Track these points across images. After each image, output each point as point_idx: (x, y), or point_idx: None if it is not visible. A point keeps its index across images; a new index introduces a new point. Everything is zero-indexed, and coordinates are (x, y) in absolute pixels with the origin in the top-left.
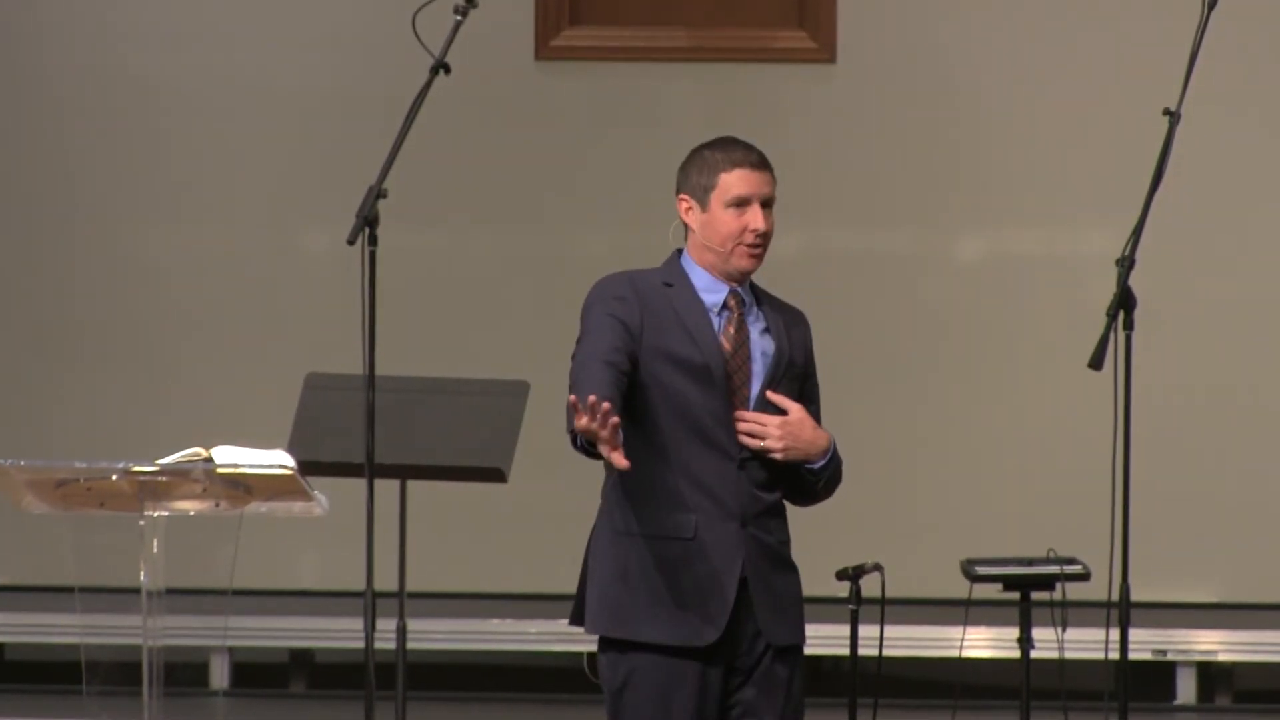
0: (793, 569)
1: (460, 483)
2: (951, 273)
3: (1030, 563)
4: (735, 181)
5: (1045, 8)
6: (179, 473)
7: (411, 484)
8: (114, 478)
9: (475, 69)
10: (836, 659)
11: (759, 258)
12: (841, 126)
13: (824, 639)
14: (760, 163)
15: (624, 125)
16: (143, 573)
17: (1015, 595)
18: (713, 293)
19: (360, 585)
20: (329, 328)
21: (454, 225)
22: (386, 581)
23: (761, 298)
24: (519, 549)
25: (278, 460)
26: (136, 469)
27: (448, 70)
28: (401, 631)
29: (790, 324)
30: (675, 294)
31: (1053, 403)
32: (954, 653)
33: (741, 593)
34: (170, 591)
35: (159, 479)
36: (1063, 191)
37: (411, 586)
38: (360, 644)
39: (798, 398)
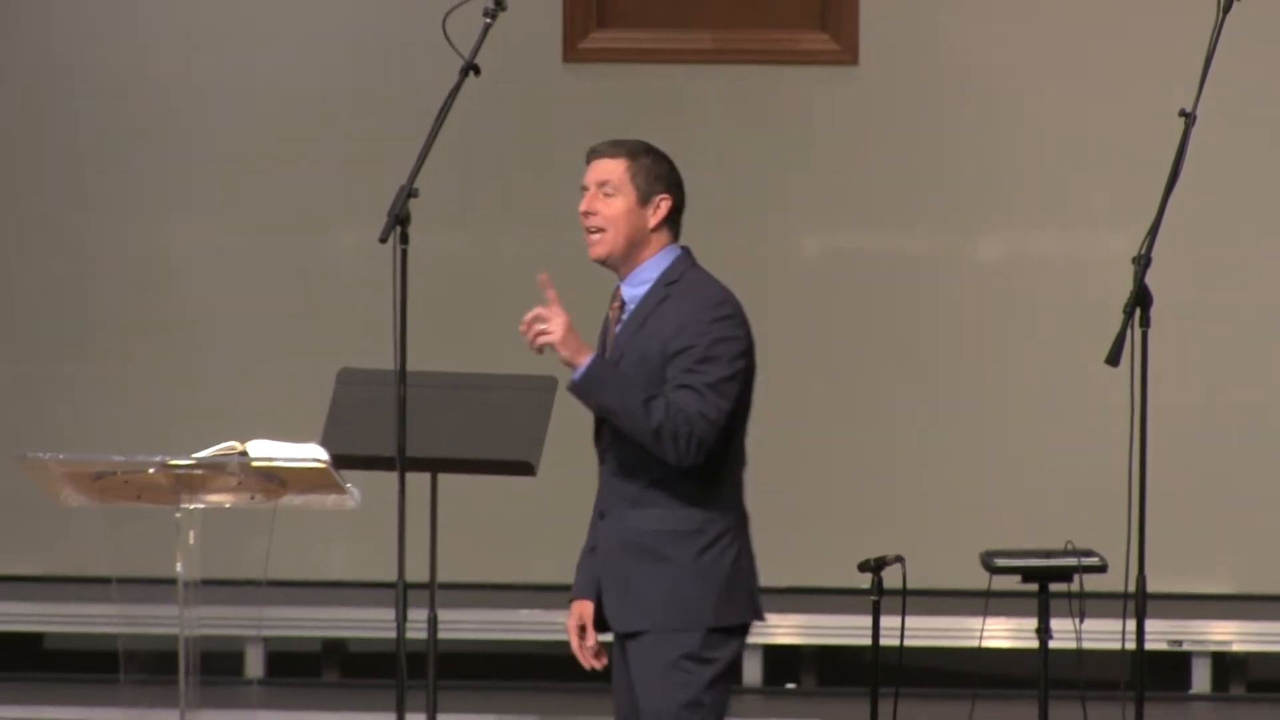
0: (659, 557)
1: (490, 476)
2: (970, 271)
3: (1048, 555)
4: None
5: (1063, 12)
6: (215, 466)
7: (442, 477)
8: (151, 471)
9: (504, 71)
10: (859, 649)
11: (594, 243)
12: (863, 127)
13: (846, 629)
14: (592, 153)
15: (650, 126)
16: (179, 564)
17: (1034, 587)
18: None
19: (391, 576)
20: (361, 325)
21: (483, 224)
22: (418, 573)
23: (654, 298)
24: (547, 541)
25: (311, 454)
26: (173, 462)
27: (478, 72)
28: (432, 621)
29: (661, 305)
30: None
31: (1070, 398)
32: (974, 643)
33: (600, 584)
34: (206, 582)
35: (195, 472)
36: (1079, 192)
37: (442, 578)
38: (392, 634)
39: (658, 378)
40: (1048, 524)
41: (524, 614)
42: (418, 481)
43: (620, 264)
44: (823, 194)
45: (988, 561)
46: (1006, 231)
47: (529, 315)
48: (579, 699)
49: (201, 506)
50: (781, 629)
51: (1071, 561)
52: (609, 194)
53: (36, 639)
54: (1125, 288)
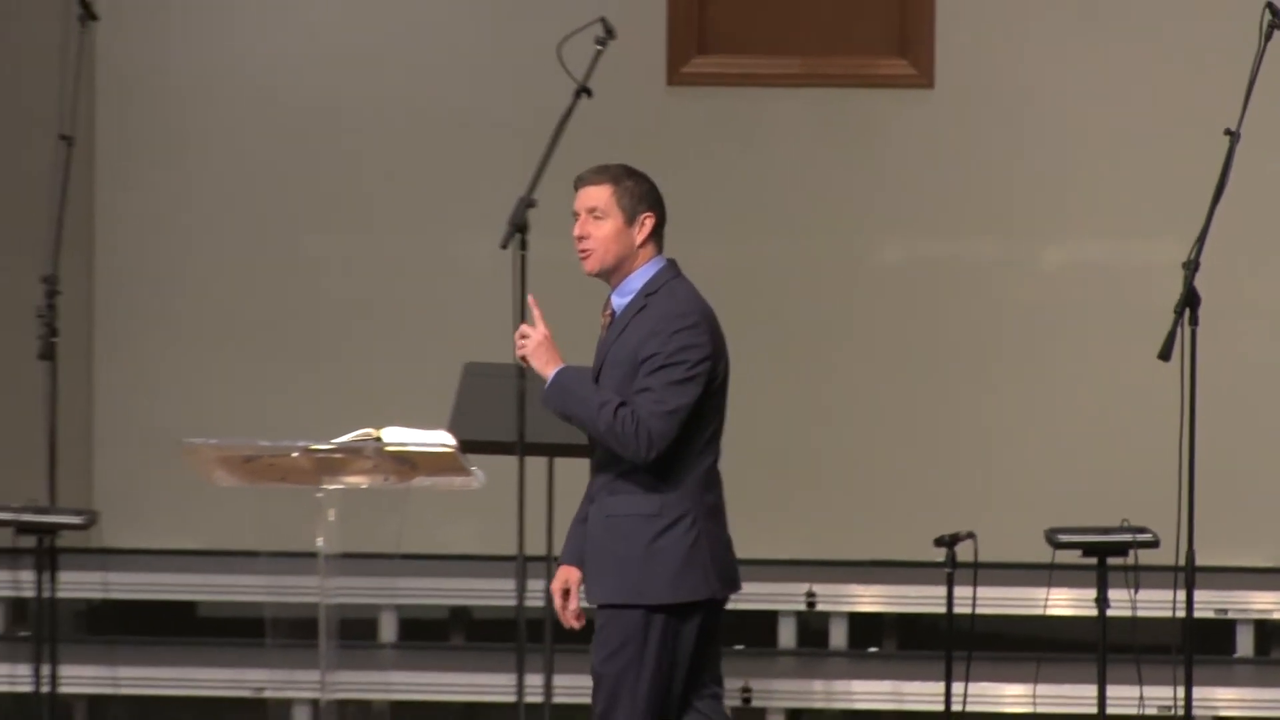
0: (625, 535)
1: None
2: (1032, 275)
3: (1106, 531)
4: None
5: (1121, 42)
6: (352, 451)
7: (557, 460)
8: (295, 455)
9: (612, 93)
10: (934, 616)
11: (586, 259)
12: (937, 145)
13: (923, 598)
14: (579, 181)
15: (745, 144)
16: (320, 539)
17: (1093, 560)
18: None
19: (512, 550)
20: (485, 322)
21: None
22: (536, 547)
23: (634, 308)
24: None
25: (440, 440)
26: (315, 447)
27: (590, 94)
28: (549, 591)
29: (639, 315)
30: None
31: (1125, 390)
32: (1038, 611)
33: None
34: (344, 556)
35: (335, 456)
36: (1134, 204)
37: (557, 551)
38: (512, 602)
39: (633, 381)
40: (1105, 503)
41: None
42: (535, 464)
43: (611, 276)
44: (900, 206)
45: (1051, 538)
46: (1065, 239)
47: (517, 331)
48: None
49: (340, 487)
50: (864, 598)
51: (1127, 537)
52: (599, 217)
53: (190, 607)
54: (1171, 290)
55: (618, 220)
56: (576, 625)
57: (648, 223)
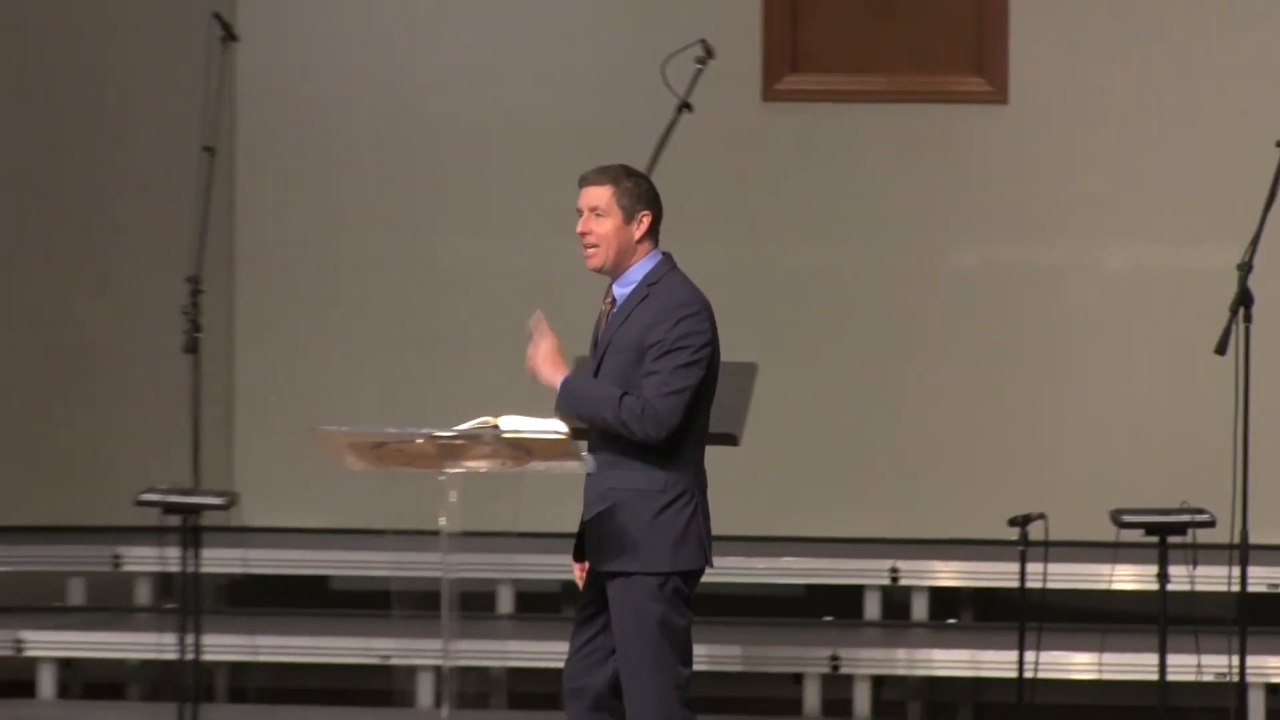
0: (630, 509)
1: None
2: (1097, 276)
3: (1167, 512)
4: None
5: (1181, 58)
6: (472, 437)
7: None
8: (419, 441)
9: (711, 108)
10: (1008, 590)
11: (590, 256)
12: (1010, 157)
13: (998, 574)
14: (582, 181)
15: (834, 156)
16: (442, 518)
17: (1154, 539)
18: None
19: None
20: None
21: (693, 238)
22: None
23: (637, 296)
24: (746, 500)
25: (553, 427)
26: (438, 434)
27: (691, 109)
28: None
29: (642, 304)
30: None
31: (1183, 383)
32: (1104, 585)
33: (584, 532)
34: (464, 534)
35: (456, 442)
36: (1192, 210)
37: None
38: None
39: (638, 364)
40: (1165, 487)
41: (730, 560)
42: None
43: (612, 270)
44: (976, 213)
45: (1116, 518)
46: (1126, 243)
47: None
48: (768, 631)
49: (461, 471)
50: (944, 573)
51: (1186, 518)
52: (600, 215)
53: (323, 581)
54: (1226, 290)
55: (617, 218)
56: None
57: (645, 220)
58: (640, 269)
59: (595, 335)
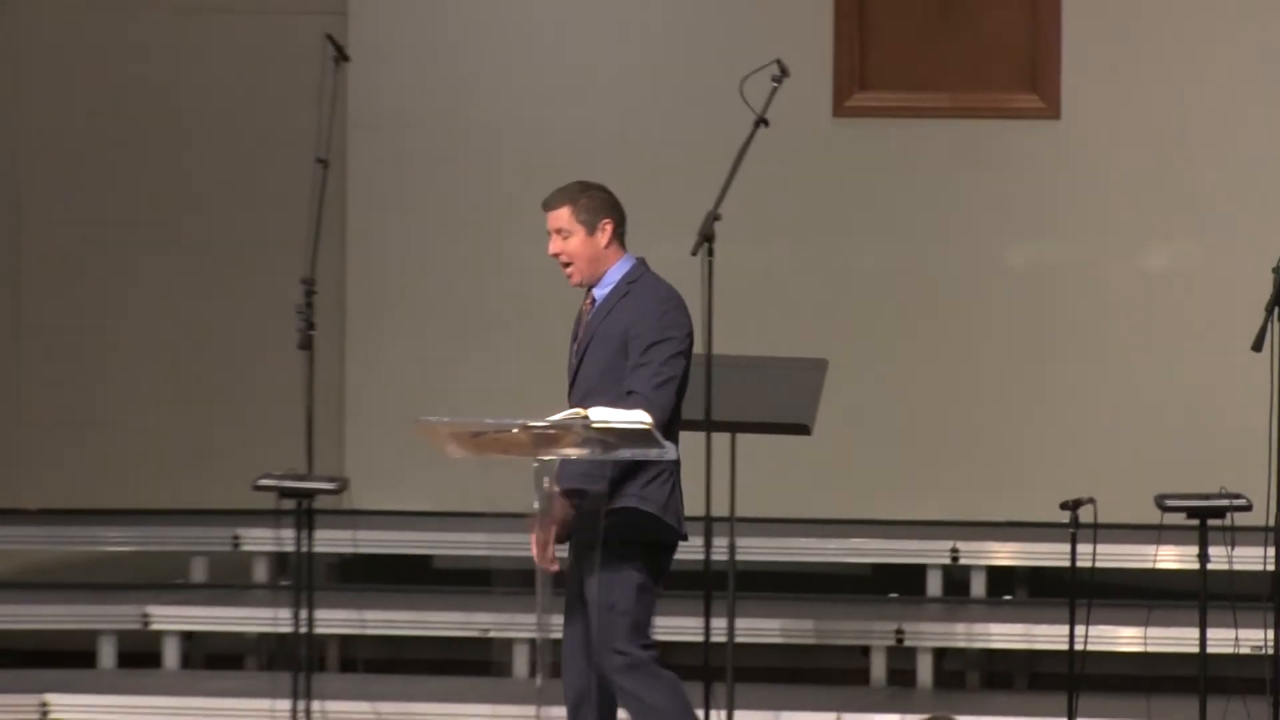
0: (614, 486)
1: (775, 435)
2: (1141, 279)
3: (1207, 497)
4: None
5: (1220, 77)
6: (564, 427)
7: (739, 435)
8: (515, 431)
9: (786, 124)
10: (1060, 569)
11: (570, 275)
12: (1061, 168)
13: (1051, 554)
14: (544, 205)
15: (899, 167)
16: (536, 502)
17: (1195, 522)
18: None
19: (701, 511)
20: None
21: (769, 242)
22: (719, 509)
23: (618, 293)
24: (818, 486)
25: (637, 418)
26: (532, 425)
27: (767, 124)
28: (731, 547)
29: (622, 301)
30: None
31: (1222, 378)
32: (1149, 564)
33: None
34: None
35: (549, 432)
36: (1229, 215)
37: (741, 513)
38: (700, 555)
39: (621, 354)
40: (1206, 473)
41: (801, 541)
42: (720, 439)
43: (591, 281)
44: (1028, 221)
45: (1160, 502)
46: (1168, 246)
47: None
48: (836, 606)
49: (553, 458)
50: (1000, 553)
51: (1225, 502)
52: (565, 235)
53: (427, 560)
54: (1260, 291)
55: (580, 233)
56: (553, 569)
57: (607, 228)
58: (618, 270)
59: (575, 332)
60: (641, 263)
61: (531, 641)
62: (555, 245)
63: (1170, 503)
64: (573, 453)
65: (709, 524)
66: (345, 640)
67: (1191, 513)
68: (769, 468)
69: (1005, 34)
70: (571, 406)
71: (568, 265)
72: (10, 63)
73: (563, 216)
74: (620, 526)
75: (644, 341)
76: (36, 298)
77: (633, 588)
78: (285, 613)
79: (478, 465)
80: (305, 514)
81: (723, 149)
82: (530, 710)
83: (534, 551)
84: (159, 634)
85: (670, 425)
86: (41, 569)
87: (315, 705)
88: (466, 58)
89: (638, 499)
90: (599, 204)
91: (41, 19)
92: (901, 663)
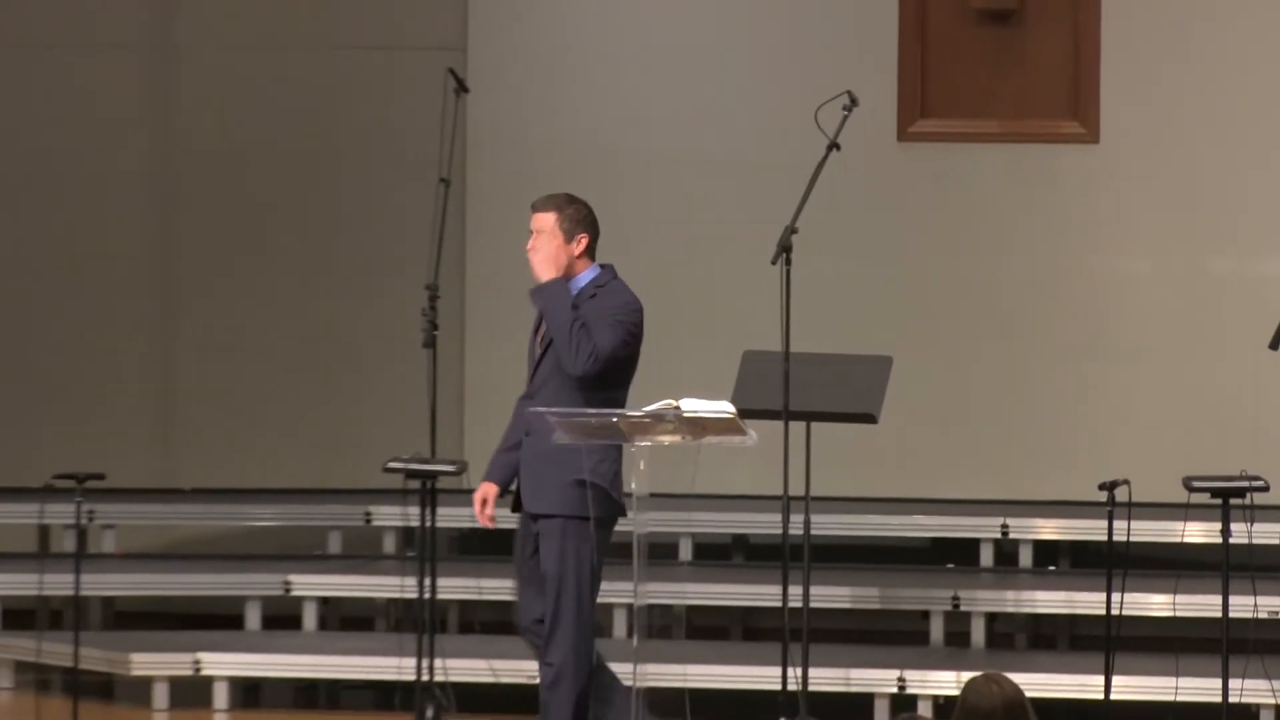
0: (565, 466)
1: (845, 423)
2: (1174, 286)
3: (1229, 479)
4: None
5: (1246, 100)
6: (657, 416)
7: (813, 423)
8: (615, 420)
9: (856, 148)
10: (1099, 542)
11: (537, 271)
12: (1102, 188)
13: (1090, 529)
14: (533, 207)
15: (957, 187)
16: (633, 483)
17: (1219, 501)
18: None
19: (779, 491)
20: (759, 320)
21: (839, 253)
22: (796, 489)
23: (585, 295)
24: (883, 468)
25: (724, 408)
26: (630, 414)
27: (839, 148)
28: (806, 523)
29: (588, 308)
30: None
31: (1244, 373)
32: (1177, 539)
33: (520, 483)
34: (652, 495)
35: (644, 421)
36: (1255, 228)
37: (815, 493)
38: (779, 530)
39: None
40: (1228, 458)
41: (869, 518)
42: (797, 427)
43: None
44: (1071, 236)
45: (1187, 483)
46: (1199, 256)
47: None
48: (899, 574)
49: (648, 444)
50: (1045, 529)
51: (1245, 483)
52: (542, 237)
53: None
54: None
55: (558, 239)
56: (491, 526)
57: (583, 241)
58: (586, 276)
59: (536, 325)
60: (609, 270)
61: (629, 606)
62: (529, 242)
63: (1196, 484)
64: (666, 439)
65: (787, 503)
66: (464, 605)
67: (1215, 493)
68: (840, 452)
69: (1050, 68)
70: (531, 391)
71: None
72: (176, 95)
73: (548, 221)
74: (573, 501)
75: (606, 314)
76: (189, 298)
77: (586, 563)
78: (411, 580)
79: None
80: (429, 493)
81: (799, 171)
82: (627, 668)
83: (475, 509)
84: (299, 599)
85: (614, 399)
86: (195, 542)
87: (437, 663)
88: (573, 88)
89: (590, 474)
90: (581, 218)
91: (208, 56)
92: (957, 626)
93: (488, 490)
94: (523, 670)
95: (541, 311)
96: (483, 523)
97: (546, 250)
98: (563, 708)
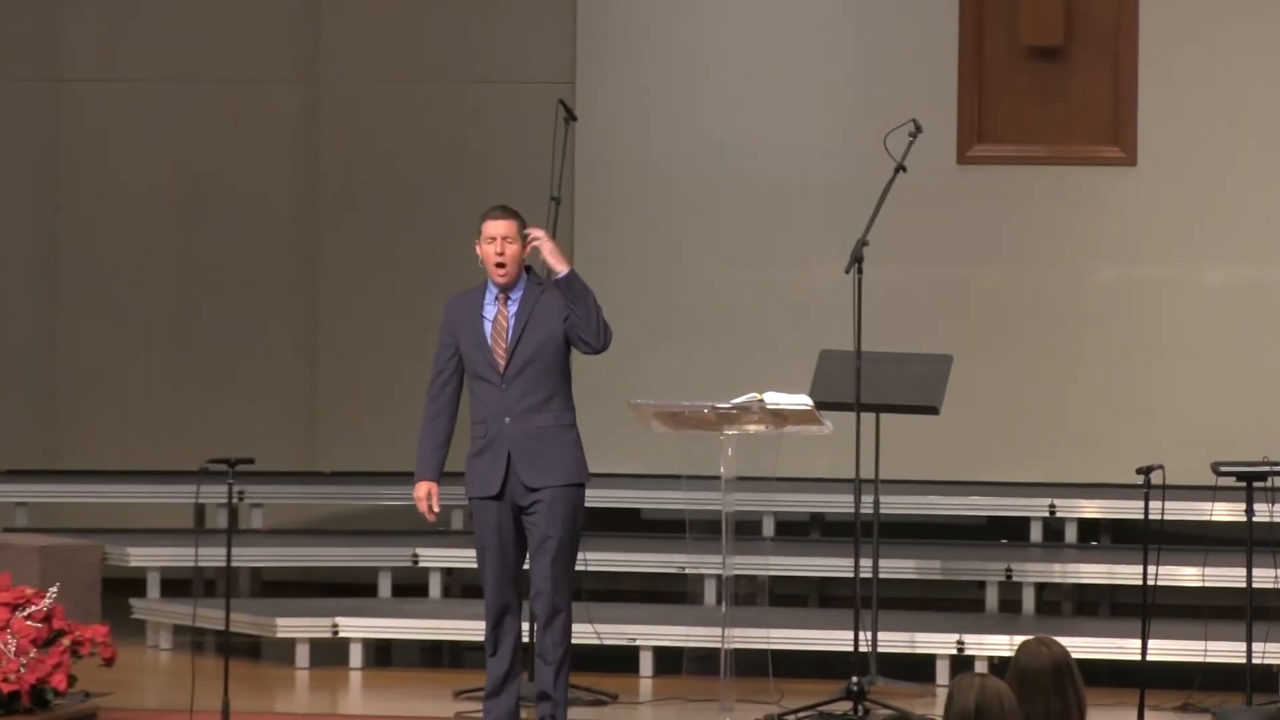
0: (555, 440)
1: (911, 414)
2: (1202, 292)
3: (1254, 464)
4: (486, 227)
5: (1267, 131)
6: (743, 408)
7: (883, 414)
8: (705, 411)
9: (919, 170)
10: (1136, 520)
11: (503, 275)
12: (1141, 207)
13: (1128, 509)
14: (496, 213)
15: (1009, 205)
16: (722, 467)
17: (1244, 484)
18: (490, 292)
19: (851, 474)
20: (833, 322)
21: (905, 263)
22: (866, 473)
23: (535, 289)
24: (945, 453)
25: (803, 401)
26: (719, 406)
27: (905, 170)
28: (876, 503)
29: (544, 295)
30: (476, 299)
31: (1268, 369)
32: (1206, 517)
33: (511, 461)
34: (738, 478)
35: (732, 412)
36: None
37: (883, 476)
38: (851, 509)
39: (560, 323)
40: (1253, 445)
41: (932, 498)
42: (867, 417)
43: (513, 285)
44: (1110, 250)
45: (1215, 468)
46: (1226, 266)
47: (531, 233)
48: (953, 550)
49: (735, 433)
50: (1089, 508)
51: (1268, 468)
52: (510, 242)
53: (636, 512)
54: None
55: (518, 244)
56: (432, 518)
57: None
58: (525, 279)
59: (489, 325)
60: (535, 271)
61: (718, 577)
62: (498, 247)
63: (1224, 469)
64: (751, 428)
65: (858, 485)
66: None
67: (1240, 476)
68: (906, 440)
69: (1092, 99)
70: (510, 376)
71: (503, 266)
72: (319, 124)
73: (511, 228)
74: (573, 470)
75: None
76: (333, 299)
77: (580, 523)
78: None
79: (677, 438)
80: None
81: (869, 191)
82: (717, 631)
83: (420, 505)
84: (425, 570)
85: (569, 386)
86: (333, 519)
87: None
88: (668, 117)
89: (571, 462)
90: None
91: (348, 89)
92: (1009, 595)
93: (431, 487)
94: (624, 633)
95: (576, 294)
96: (429, 517)
97: (511, 254)
98: (566, 631)
